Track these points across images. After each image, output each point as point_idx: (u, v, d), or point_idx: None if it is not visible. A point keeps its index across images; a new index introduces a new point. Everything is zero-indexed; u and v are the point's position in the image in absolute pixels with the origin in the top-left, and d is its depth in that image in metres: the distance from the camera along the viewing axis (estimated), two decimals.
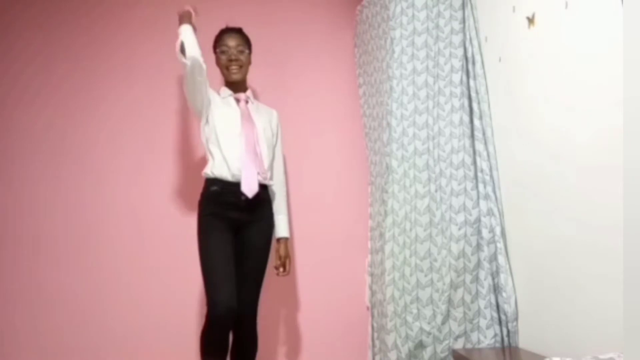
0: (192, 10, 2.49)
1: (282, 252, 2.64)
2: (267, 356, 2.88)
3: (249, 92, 2.65)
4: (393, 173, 2.45)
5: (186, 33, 2.38)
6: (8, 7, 2.98)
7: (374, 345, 2.68)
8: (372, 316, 2.72)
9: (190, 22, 2.45)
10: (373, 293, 2.73)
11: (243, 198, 2.41)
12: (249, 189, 2.41)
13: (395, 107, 2.47)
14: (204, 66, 2.37)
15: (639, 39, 1.13)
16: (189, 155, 2.97)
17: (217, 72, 2.62)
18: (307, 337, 2.93)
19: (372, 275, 2.77)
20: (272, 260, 2.62)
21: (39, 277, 2.83)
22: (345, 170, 3.08)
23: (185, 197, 2.90)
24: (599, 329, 1.73)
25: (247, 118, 2.53)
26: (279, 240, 2.64)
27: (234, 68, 2.55)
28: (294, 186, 3.03)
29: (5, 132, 2.92)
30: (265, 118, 2.62)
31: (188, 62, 2.32)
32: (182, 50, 2.33)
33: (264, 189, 2.51)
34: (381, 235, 2.53)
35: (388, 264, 2.40)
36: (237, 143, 2.46)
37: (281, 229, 2.63)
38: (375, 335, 2.64)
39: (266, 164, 2.52)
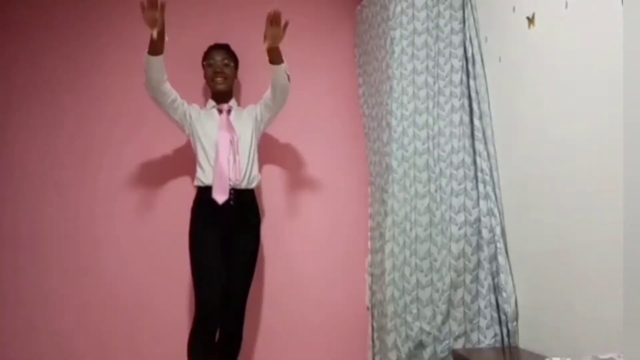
0: (153, 33, 2.30)
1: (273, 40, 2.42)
2: (267, 356, 2.89)
3: (232, 102, 2.75)
4: (393, 173, 2.45)
5: (146, 64, 2.40)
6: (7, 7, 2.98)
7: (374, 345, 2.68)
8: (372, 316, 2.73)
9: (152, 51, 2.37)
10: (373, 293, 2.73)
11: (232, 203, 2.53)
12: (219, 196, 2.51)
13: (395, 107, 2.47)
14: (158, 98, 2.50)
15: (639, 39, 1.13)
16: (189, 156, 2.96)
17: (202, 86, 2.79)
18: (307, 337, 2.93)
19: (372, 275, 2.77)
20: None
21: (38, 278, 2.84)
22: (345, 170, 3.08)
23: (183, 200, 2.86)
24: (599, 329, 1.73)
25: (226, 127, 2.63)
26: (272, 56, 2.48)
27: (219, 79, 2.70)
28: (294, 186, 3.03)
29: (4, 132, 2.92)
30: (248, 120, 2.68)
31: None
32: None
33: (246, 193, 2.61)
34: (381, 235, 2.53)
35: (388, 264, 2.40)
36: (213, 153, 2.58)
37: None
38: (375, 335, 2.64)
39: (244, 169, 2.59)
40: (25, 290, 2.83)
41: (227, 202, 2.52)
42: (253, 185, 2.65)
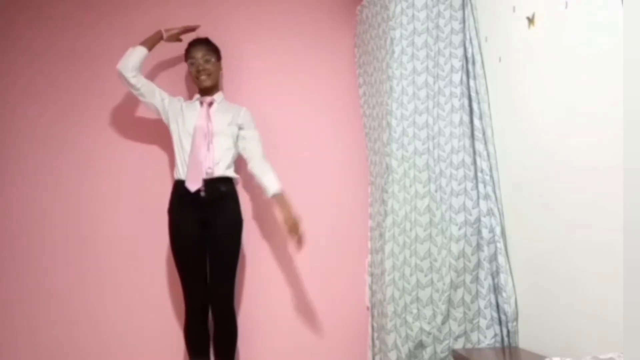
0: (164, 34, 2.76)
1: (283, 212, 2.56)
2: (267, 356, 2.88)
3: (216, 95, 2.79)
4: (393, 173, 2.45)
5: (134, 51, 2.65)
6: (8, 7, 2.98)
7: (374, 345, 2.68)
8: (372, 316, 2.73)
9: (149, 45, 2.71)
10: (373, 293, 2.73)
11: (202, 194, 2.56)
12: (191, 184, 2.56)
13: (395, 107, 2.47)
14: (130, 79, 2.63)
15: (639, 39, 1.13)
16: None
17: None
18: (307, 337, 2.93)
19: (372, 275, 2.77)
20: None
21: (37, 278, 2.84)
22: (345, 170, 3.08)
23: None
24: (599, 329, 1.73)
25: (204, 117, 2.67)
26: (274, 197, 2.58)
27: (203, 77, 2.73)
28: (294, 186, 3.02)
29: (5, 132, 2.92)
30: (228, 116, 2.71)
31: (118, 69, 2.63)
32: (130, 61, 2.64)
33: (222, 182, 2.63)
34: (381, 235, 2.53)
35: (388, 264, 2.40)
36: (188, 143, 2.62)
37: (270, 184, 2.58)
38: (375, 335, 2.64)
39: (218, 158, 2.61)
40: (22, 290, 2.83)
41: (198, 192, 2.55)
42: (229, 173, 2.66)
